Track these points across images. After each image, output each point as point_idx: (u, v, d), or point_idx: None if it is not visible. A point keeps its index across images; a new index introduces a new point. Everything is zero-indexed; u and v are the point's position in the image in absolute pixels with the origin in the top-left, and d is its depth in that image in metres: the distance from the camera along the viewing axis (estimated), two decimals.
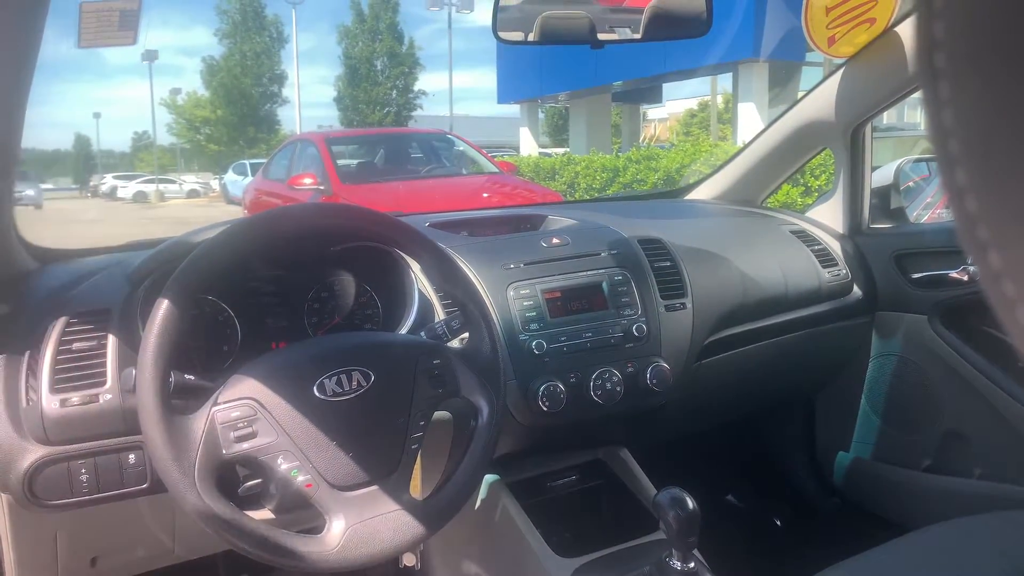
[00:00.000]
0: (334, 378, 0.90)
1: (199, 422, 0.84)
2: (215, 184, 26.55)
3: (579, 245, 1.39)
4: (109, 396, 0.99)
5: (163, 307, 0.84)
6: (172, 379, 0.85)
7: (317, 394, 0.89)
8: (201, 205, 22.94)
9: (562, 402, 1.22)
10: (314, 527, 0.90)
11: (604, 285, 1.34)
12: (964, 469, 1.65)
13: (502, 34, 1.42)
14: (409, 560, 1.50)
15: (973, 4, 0.18)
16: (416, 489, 0.99)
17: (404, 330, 1.15)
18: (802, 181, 7.16)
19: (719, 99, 20.63)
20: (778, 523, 2.02)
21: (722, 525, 1.60)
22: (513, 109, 20.28)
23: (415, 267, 1.21)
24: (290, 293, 1.21)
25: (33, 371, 1.00)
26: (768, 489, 2.07)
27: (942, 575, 1.02)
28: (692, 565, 1.05)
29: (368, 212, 1.01)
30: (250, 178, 12.87)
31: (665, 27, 1.40)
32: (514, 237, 1.46)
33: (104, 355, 1.02)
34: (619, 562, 1.19)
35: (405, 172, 7.02)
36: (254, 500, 0.95)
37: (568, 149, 16.31)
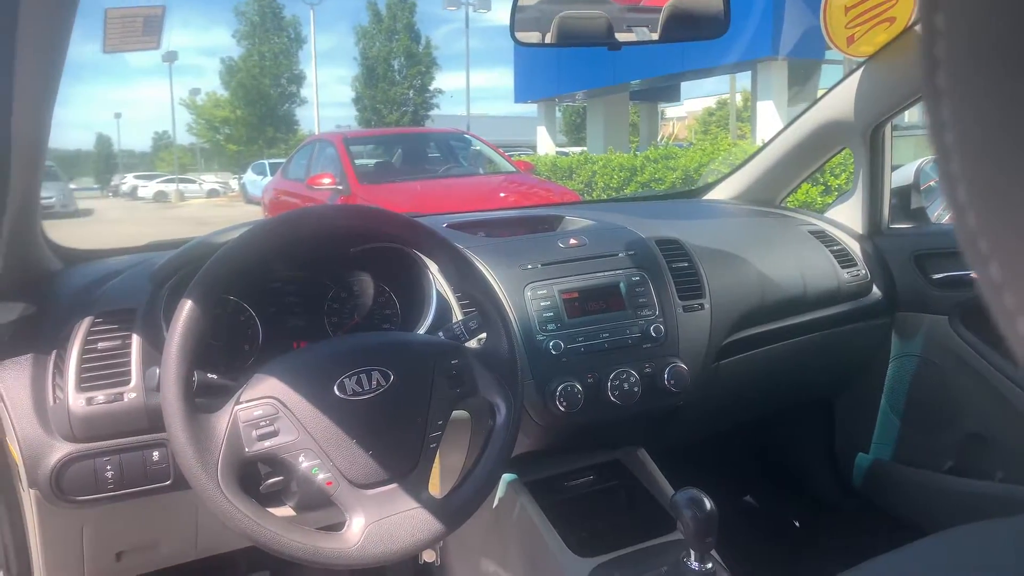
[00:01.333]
0: (354, 377, 0.91)
1: (222, 420, 0.85)
2: (234, 184, 26.75)
3: (596, 246, 1.39)
4: (133, 394, 1.01)
5: (187, 307, 0.85)
6: (195, 378, 0.86)
7: (337, 393, 0.90)
8: (221, 205, 23.11)
9: (579, 402, 1.22)
10: (334, 524, 0.91)
11: (622, 286, 1.34)
12: (986, 471, 1.64)
13: (519, 35, 1.42)
14: (429, 557, 1.51)
15: (974, 27, 0.18)
16: (435, 487, 0.99)
17: (422, 330, 1.16)
18: (822, 180, 7.11)
19: (738, 97, 20.53)
20: (796, 524, 2.02)
21: (740, 525, 1.60)
22: (530, 108, 20.32)
23: (433, 268, 1.22)
24: (310, 293, 1.22)
25: (60, 370, 1.02)
26: (786, 490, 2.07)
27: None
28: (710, 565, 1.05)
29: (387, 213, 1.01)
30: (269, 178, 12.95)
31: (683, 27, 1.39)
32: (531, 238, 1.46)
33: (128, 354, 1.03)
34: (636, 562, 1.19)
35: (423, 172, 7.05)
36: (275, 497, 0.96)
37: (585, 148, 16.29)
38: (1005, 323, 0.20)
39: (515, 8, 1.37)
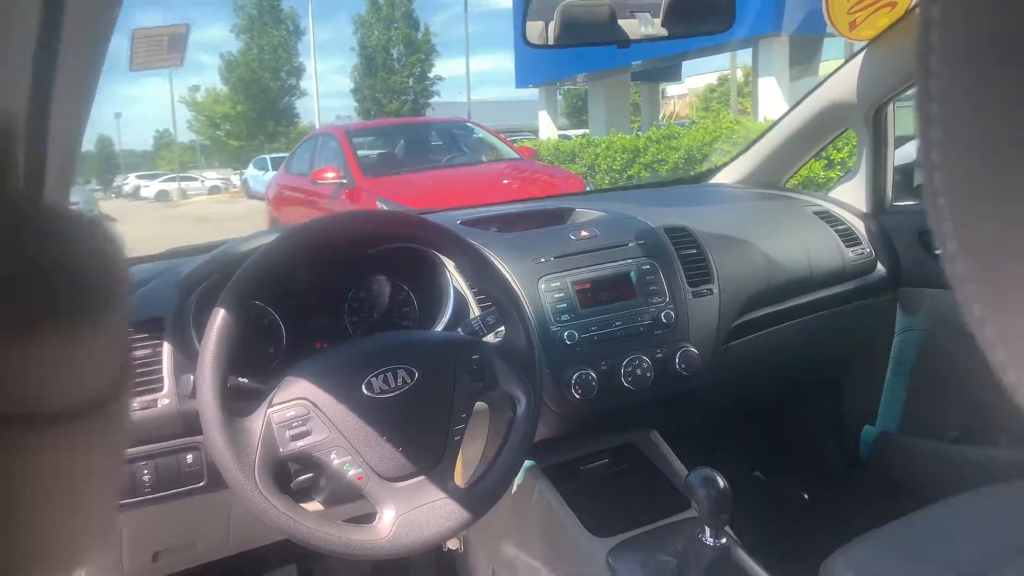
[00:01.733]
0: (381, 376, 0.95)
1: (256, 423, 0.89)
2: (236, 180, 26.69)
3: (607, 237, 1.42)
4: (167, 400, 1.04)
5: (220, 315, 0.88)
6: (228, 383, 0.90)
7: (365, 392, 0.94)
8: (223, 201, 22.99)
9: (594, 389, 1.25)
10: (362, 517, 0.95)
11: (632, 275, 1.37)
12: (991, 438, 1.67)
13: (530, 28, 1.43)
14: (453, 544, 1.55)
15: (967, 73, 0.20)
16: (458, 478, 1.03)
17: (440, 327, 1.19)
18: (824, 154, 7.10)
19: (739, 72, 20.37)
20: (806, 497, 2.05)
21: (752, 501, 1.63)
22: (532, 93, 20.21)
23: (450, 265, 1.25)
24: (330, 294, 1.25)
25: None
26: (796, 465, 2.10)
27: (971, 543, 1.04)
28: (724, 541, 1.08)
29: (404, 216, 1.05)
30: (271, 172, 12.94)
31: (688, 21, 1.41)
32: (543, 231, 1.48)
33: (160, 362, 1.06)
34: (653, 540, 1.21)
35: (426, 162, 7.03)
36: (305, 493, 1.00)
37: (587, 131, 16.23)
38: (999, 372, 0.21)
39: (527, 7, 1.38)
